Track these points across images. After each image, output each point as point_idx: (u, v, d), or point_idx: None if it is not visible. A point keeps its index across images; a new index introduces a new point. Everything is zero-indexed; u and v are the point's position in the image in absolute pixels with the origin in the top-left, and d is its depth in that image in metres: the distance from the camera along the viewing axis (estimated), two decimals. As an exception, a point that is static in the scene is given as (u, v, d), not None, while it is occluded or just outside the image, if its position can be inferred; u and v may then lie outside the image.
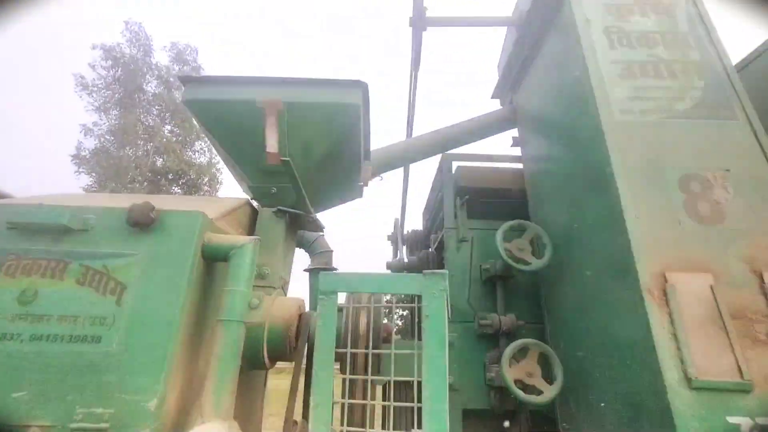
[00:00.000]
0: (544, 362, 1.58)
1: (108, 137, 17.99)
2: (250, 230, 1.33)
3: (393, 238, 3.04)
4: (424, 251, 2.30)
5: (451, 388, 1.77)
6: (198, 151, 19.64)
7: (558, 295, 1.72)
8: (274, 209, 1.30)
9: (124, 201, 1.00)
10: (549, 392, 1.48)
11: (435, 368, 0.70)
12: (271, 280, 1.22)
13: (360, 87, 1.25)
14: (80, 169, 17.38)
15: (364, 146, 1.54)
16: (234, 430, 0.86)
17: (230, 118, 1.24)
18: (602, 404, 1.37)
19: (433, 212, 2.74)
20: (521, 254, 1.67)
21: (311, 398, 0.75)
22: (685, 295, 1.16)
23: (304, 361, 1.10)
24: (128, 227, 0.91)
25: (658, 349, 1.11)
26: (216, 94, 1.21)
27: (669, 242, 1.23)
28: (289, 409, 1.07)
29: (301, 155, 1.28)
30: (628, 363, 1.24)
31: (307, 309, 1.31)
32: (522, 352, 1.57)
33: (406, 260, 2.44)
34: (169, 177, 18.15)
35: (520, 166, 2.20)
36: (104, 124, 17.86)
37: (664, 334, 1.13)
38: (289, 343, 1.12)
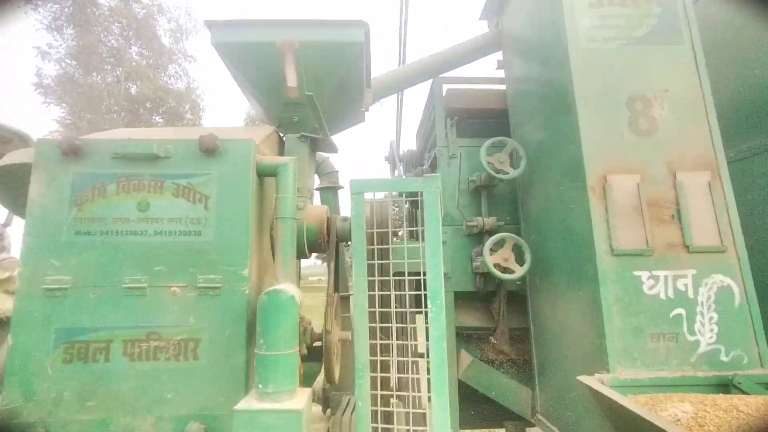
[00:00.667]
0: (518, 251, 2.04)
1: (69, 62, 16.73)
2: (279, 153, 1.65)
3: (389, 158, 3.36)
4: (420, 168, 2.65)
5: (445, 276, 2.28)
6: (173, 76, 18.56)
7: (530, 199, 2.14)
8: (298, 135, 1.60)
9: (188, 134, 1.29)
10: (520, 271, 1.97)
11: (433, 236, 1.09)
12: (302, 192, 1.57)
13: (362, 26, 1.46)
14: (48, 100, 16.50)
15: (366, 76, 1.78)
16: (298, 290, 1.30)
17: (254, 58, 1.48)
18: (558, 274, 1.86)
19: (426, 133, 3.03)
20: (501, 166, 2.03)
21: (353, 263, 1.15)
22: (618, 191, 1.55)
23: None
24: (200, 153, 1.23)
25: (594, 230, 1.53)
26: (240, 37, 1.42)
27: (612, 152, 1.59)
28: (330, 286, 1.51)
29: (315, 87, 1.54)
30: (576, 243, 1.68)
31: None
32: (499, 244, 2.02)
33: (403, 176, 2.80)
34: (147, 106, 17.41)
35: (503, 87, 2.45)
36: (60, 45, 16.41)
37: (600, 220, 1.55)
38: (323, 238, 1.52)
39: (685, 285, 1.49)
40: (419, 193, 1.11)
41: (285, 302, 0.95)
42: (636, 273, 1.49)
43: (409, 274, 1.24)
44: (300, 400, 0.93)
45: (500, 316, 2.24)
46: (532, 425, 2.15)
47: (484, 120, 2.43)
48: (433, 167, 2.61)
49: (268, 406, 0.90)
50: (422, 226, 1.09)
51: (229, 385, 1.13)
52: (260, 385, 0.93)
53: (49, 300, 1.14)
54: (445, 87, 2.52)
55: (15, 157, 1.31)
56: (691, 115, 1.60)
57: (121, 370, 1.13)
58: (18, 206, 1.48)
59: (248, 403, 0.92)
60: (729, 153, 1.65)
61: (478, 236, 2.26)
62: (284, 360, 0.94)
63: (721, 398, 1.19)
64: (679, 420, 1.06)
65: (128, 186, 1.21)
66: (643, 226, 1.52)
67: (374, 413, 1.09)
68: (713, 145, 1.58)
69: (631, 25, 1.67)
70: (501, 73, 2.43)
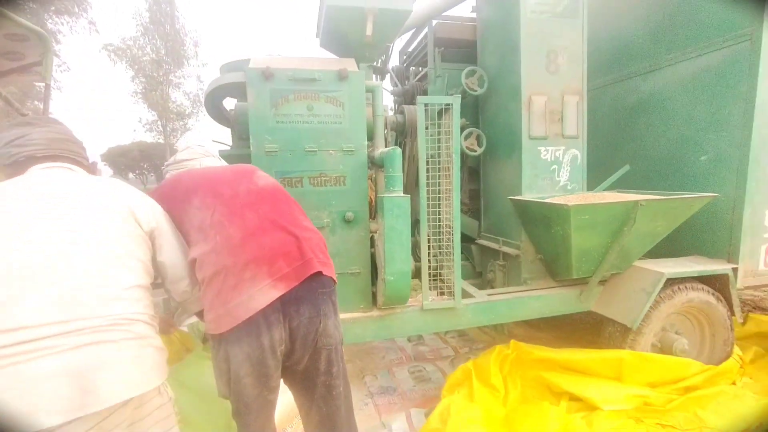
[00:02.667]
0: (478, 139, 3.52)
1: None
2: (353, 76, 2.77)
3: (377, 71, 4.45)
4: (416, 82, 3.87)
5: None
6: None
7: (487, 108, 3.56)
8: (368, 65, 2.73)
9: (329, 64, 2.39)
10: (480, 150, 3.47)
11: (456, 126, 2.47)
12: (372, 100, 2.78)
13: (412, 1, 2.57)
14: None
15: (398, 25, 2.89)
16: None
17: (349, 16, 2.50)
18: (500, 151, 3.41)
19: (412, 53, 4.17)
20: (473, 86, 3.37)
21: (419, 136, 2.49)
22: (535, 105, 3.03)
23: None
24: (337, 78, 2.37)
25: (523, 126, 3.03)
26: (350, 2, 2.44)
27: (537, 82, 3.01)
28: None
29: (379, 35, 2.66)
30: (511, 133, 3.18)
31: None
32: (469, 134, 3.46)
33: (401, 87, 4.01)
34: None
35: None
36: None
37: (526, 120, 3.03)
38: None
39: (559, 154, 3.13)
40: (451, 104, 2.44)
41: (399, 151, 2.28)
42: (539, 148, 3.08)
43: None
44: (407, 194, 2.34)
45: (463, 180, 3.82)
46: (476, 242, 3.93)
47: (462, 49, 3.68)
48: (421, 80, 3.86)
49: (395, 195, 2.29)
50: (444, 120, 2.45)
51: (361, 197, 2.50)
52: (391, 188, 2.31)
53: (268, 156, 2.32)
54: (434, 21, 3.64)
55: (232, 77, 2.29)
56: (575, 63, 3.07)
57: (309, 191, 2.41)
58: (218, 110, 2.47)
59: (388, 194, 2.30)
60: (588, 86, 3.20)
61: (453, 131, 3.68)
62: (399, 177, 2.32)
63: (566, 197, 2.91)
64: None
65: (300, 96, 2.33)
66: (545, 124, 3.06)
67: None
68: (583, 81, 3.11)
69: (555, 3, 2.98)
70: (474, 15, 3.61)
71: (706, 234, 3.03)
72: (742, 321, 2.97)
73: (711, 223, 2.97)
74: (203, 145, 1.99)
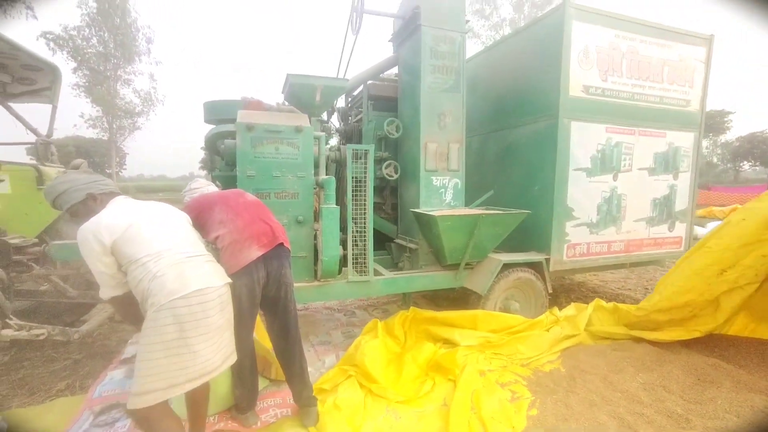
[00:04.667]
0: (396, 168, 5.11)
1: None
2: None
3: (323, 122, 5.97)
4: (354, 123, 5.43)
5: (362, 179, 5.28)
6: None
7: (402, 147, 5.18)
8: (317, 117, 4.23)
9: (291, 120, 3.88)
10: (396, 175, 5.07)
11: (371, 163, 4.02)
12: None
13: (346, 81, 4.14)
14: None
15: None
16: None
17: (306, 89, 4.04)
18: (408, 177, 5.02)
19: (356, 96, 5.75)
20: (392, 131, 4.98)
21: (348, 169, 4.00)
22: (430, 149, 4.66)
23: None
24: (295, 130, 3.85)
25: (421, 162, 4.65)
26: (305, 81, 3.95)
27: (430, 133, 4.65)
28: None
29: (324, 100, 4.20)
30: (414, 165, 4.80)
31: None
32: (388, 165, 5.05)
33: (343, 126, 5.56)
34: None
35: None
36: None
37: (423, 159, 4.67)
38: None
39: (446, 182, 4.79)
40: (368, 150, 3.98)
41: (333, 179, 3.79)
42: (432, 177, 4.71)
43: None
44: (338, 206, 3.85)
45: (384, 197, 5.41)
46: (394, 241, 5.51)
47: (388, 102, 5.30)
48: (359, 122, 5.44)
49: (330, 206, 3.80)
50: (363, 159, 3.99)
51: (308, 207, 3.97)
52: (328, 202, 3.80)
53: (249, 179, 3.74)
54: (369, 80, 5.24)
55: (227, 127, 3.68)
56: (457, 122, 4.77)
57: (275, 202, 3.83)
58: (215, 146, 3.83)
59: (325, 205, 3.79)
60: (467, 136, 4.92)
61: (379, 161, 5.27)
62: (333, 195, 3.82)
63: (443, 210, 4.57)
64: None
65: (270, 141, 3.78)
66: (435, 161, 4.71)
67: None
68: (462, 133, 4.81)
69: (444, 82, 4.65)
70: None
71: (538, 237, 4.83)
72: (551, 291, 4.75)
73: (539, 230, 4.76)
74: (202, 176, 3.40)
